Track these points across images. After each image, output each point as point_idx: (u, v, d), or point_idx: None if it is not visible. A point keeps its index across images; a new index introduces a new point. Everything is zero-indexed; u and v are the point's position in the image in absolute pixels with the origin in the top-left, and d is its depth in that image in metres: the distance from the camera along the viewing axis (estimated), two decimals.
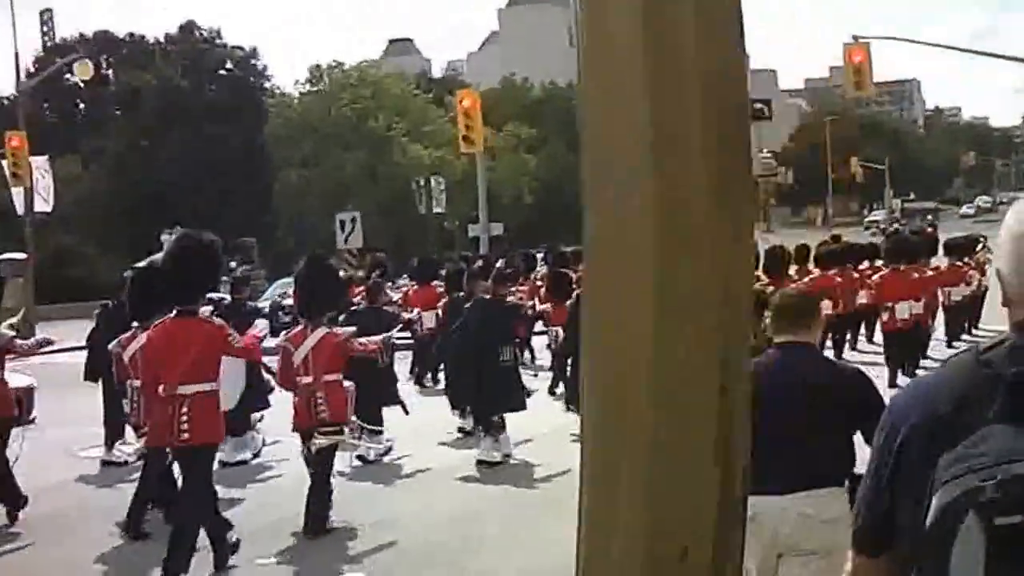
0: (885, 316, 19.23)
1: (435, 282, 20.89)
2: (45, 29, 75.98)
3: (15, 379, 12.39)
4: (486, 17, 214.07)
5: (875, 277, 20.46)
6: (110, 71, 73.93)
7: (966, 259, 23.98)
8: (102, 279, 53.37)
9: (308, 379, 11.02)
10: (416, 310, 19.80)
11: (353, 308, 15.52)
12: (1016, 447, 2.18)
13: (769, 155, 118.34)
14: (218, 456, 11.34)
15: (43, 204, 39.80)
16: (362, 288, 17.95)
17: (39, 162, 39.45)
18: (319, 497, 10.81)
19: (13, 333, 12.27)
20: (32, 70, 74.27)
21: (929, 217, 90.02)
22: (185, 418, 9.21)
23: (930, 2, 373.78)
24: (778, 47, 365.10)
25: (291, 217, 63.35)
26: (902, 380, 17.12)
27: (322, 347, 11.10)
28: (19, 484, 11.63)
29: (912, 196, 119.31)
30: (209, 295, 12.31)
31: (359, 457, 13.57)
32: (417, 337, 20.63)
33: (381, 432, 14.10)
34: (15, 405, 11.89)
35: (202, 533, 9.59)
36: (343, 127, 63.11)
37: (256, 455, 14.38)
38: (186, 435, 9.26)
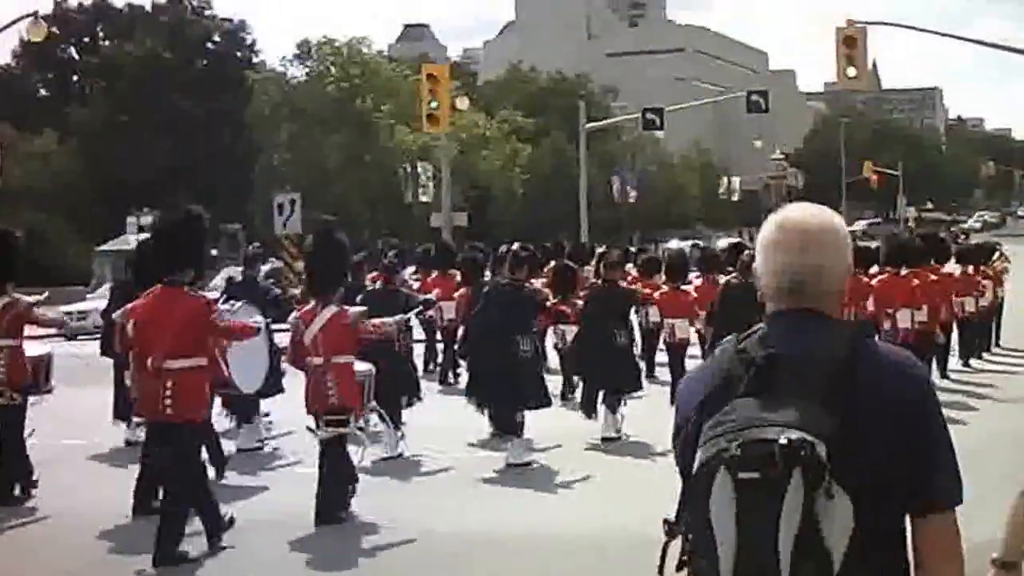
0: (887, 324, 17.58)
1: (451, 271, 20.17)
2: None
3: (32, 348, 12.69)
4: (506, 5, 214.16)
5: (874, 282, 18.67)
6: (105, 42, 71.77)
7: (981, 267, 22.46)
8: (71, 262, 51.25)
9: (318, 360, 10.75)
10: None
11: (370, 289, 14.94)
12: (756, 416, 2.75)
13: (781, 156, 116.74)
14: (235, 444, 13.71)
15: None
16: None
17: None
18: (330, 488, 10.60)
19: (33, 300, 12.58)
20: (26, 38, 73.40)
21: (964, 227, 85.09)
22: (169, 393, 9.42)
23: (957, 12, 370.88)
24: (802, 48, 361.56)
25: (270, 203, 60.92)
26: None
27: (332, 327, 10.82)
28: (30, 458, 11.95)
29: (930, 205, 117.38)
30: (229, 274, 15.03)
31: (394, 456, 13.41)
32: (437, 328, 20.19)
33: (399, 428, 13.55)
34: (31, 373, 12.19)
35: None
36: (328, 108, 60.41)
37: (261, 443, 14.36)
38: (169, 410, 9.49)
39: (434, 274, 20.62)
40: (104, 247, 50.80)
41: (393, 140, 56.47)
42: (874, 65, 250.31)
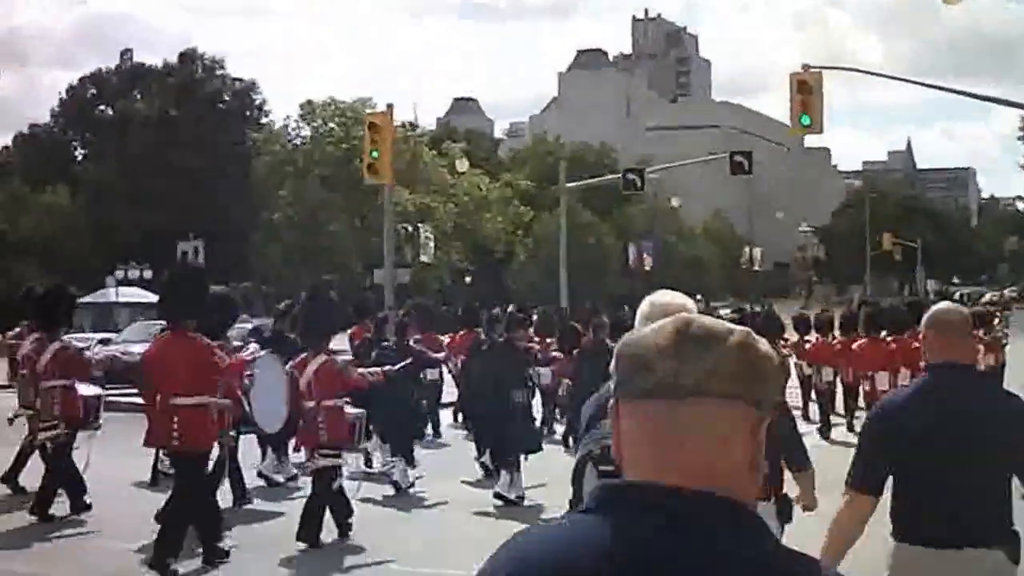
0: (867, 387, 18.72)
1: (477, 328, 21.39)
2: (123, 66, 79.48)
3: (82, 387, 13.75)
4: (551, 83, 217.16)
5: (853, 346, 19.78)
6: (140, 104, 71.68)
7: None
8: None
9: (310, 403, 11.78)
10: (447, 354, 20.95)
11: (385, 344, 16.03)
12: None
13: (809, 229, 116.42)
14: (261, 469, 15.10)
15: None
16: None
17: None
18: (313, 511, 11.64)
19: (84, 345, 14.07)
20: (65, 98, 74.50)
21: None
22: (176, 427, 10.45)
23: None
24: (842, 128, 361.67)
25: (274, 263, 60.10)
26: None
27: (322, 373, 11.88)
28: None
29: (956, 280, 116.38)
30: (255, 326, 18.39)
31: (393, 483, 14.75)
32: (455, 377, 21.67)
33: (410, 464, 15.08)
34: (82, 410, 13.30)
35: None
36: (331, 167, 59.61)
37: (292, 478, 15.36)
38: (176, 442, 10.60)
39: (462, 331, 22.60)
40: (83, 300, 49.98)
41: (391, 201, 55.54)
42: (908, 145, 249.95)
